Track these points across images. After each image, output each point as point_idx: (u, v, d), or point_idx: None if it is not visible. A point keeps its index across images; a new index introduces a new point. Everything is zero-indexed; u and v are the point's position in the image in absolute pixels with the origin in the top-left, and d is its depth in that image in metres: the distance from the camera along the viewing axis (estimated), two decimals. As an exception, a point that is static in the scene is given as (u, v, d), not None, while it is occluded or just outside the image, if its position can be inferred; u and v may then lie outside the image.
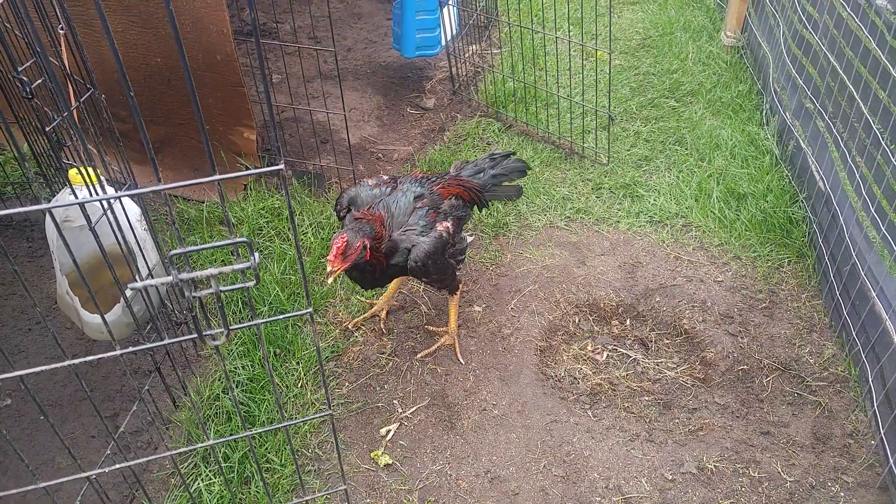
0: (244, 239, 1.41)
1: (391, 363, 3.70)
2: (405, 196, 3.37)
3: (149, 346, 1.63)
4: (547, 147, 5.18)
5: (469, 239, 4.37)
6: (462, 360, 3.70)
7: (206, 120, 4.41)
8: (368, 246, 3.01)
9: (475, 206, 3.76)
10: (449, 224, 3.36)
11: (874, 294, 3.25)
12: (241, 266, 1.46)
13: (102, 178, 2.66)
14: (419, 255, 3.21)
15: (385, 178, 3.55)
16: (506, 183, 3.93)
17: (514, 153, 4.05)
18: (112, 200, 2.76)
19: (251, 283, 1.51)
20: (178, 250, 1.42)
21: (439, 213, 3.39)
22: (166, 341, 1.66)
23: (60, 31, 2.64)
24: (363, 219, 3.12)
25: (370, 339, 3.83)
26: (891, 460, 2.91)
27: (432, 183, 3.52)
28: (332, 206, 3.53)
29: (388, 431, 3.38)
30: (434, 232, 3.29)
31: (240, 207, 4.44)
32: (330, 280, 2.99)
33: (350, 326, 3.87)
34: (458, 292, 3.69)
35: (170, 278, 1.45)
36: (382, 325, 3.89)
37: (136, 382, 3.50)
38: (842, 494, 3.04)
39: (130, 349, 1.63)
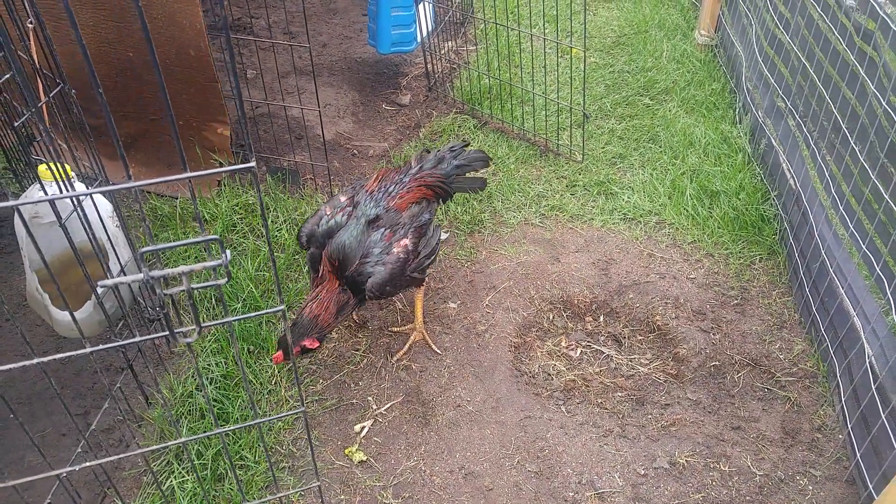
0: (215, 237, 1.41)
1: (366, 360, 3.70)
2: (357, 225, 3.36)
3: (119, 343, 1.62)
4: (522, 144, 5.19)
5: (444, 236, 4.38)
6: (437, 351, 3.71)
7: (179, 115, 4.38)
8: (307, 345, 3.17)
9: (441, 200, 3.79)
10: (408, 241, 3.37)
11: (842, 291, 3.29)
12: (212, 264, 1.45)
13: (73, 174, 2.64)
14: (374, 285, 3.27)
15: (343, 199, 3.52)
16: (469, 174, 3.95)
17: (468, 144, 4.06)
18: (82, 197, 2.74)
19: (223, 281, 1.51)
20: (150, 247, 1.41)
21: (397, 230, 3.39)
22: (137, 339, 1.65)
23: (29, 25, 2.61)
24: (308, 315, 3.23)
25: (345, 336, 3.82)
26: (858, 454, 2.96)
27: (390, 196, 3.51)
28: (295, 236, 3.59)
29: (363, 428, 3.38)
30: (391, 256, 3.31)
31: (213, 204, 4.42)
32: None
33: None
34: (423, 285, 3.70)
35: (141, 276, 1.44)
36: (356, 317, 3.89)
37: (108, 380, 3.48)
38: (810, 488, 3.08)
39: (101, 347, 1.62)
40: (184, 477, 3.05)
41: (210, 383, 3.41)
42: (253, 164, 1.43)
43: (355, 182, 3.77)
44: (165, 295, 1.50)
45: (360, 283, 3.29)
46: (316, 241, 3.41)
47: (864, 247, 3.14)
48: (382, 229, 3.37)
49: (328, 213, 3.46)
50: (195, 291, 3.86)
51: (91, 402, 3.43)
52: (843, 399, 3.20)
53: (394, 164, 5.00)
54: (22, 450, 3.21)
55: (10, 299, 3.92)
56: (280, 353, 3.07)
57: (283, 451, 3.26)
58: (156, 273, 1.45)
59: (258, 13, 6.64)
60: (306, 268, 3.88)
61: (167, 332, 1.61)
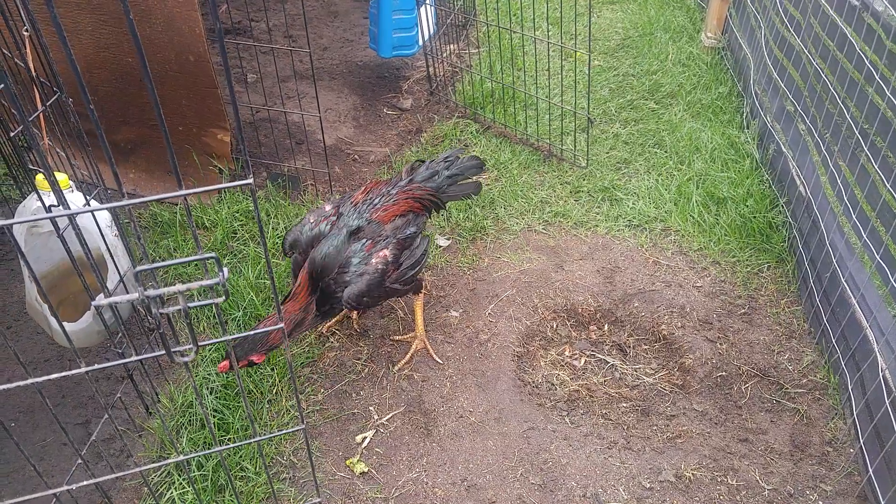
0: (212, 255, 1.37)
1: (367, 369, 3.65)
2: (339, 235, 3.34)
3: (115, 363, 1.57)
4: (525, 149, 5.15)
5: (445, 243, 4.34)
6: (439, 360, 3.67)
7: (179, 121, 4.34)
8: (255, 359, 3.07)
9: (433, 211, 3.75)
10: (387, 251, 3.32)
11: (854, 301, 3.24)
12: (209, 282, 1.41)
13: (71, 183, 2.60)
14: (350, 296, 3.23)
15: (328, 209, 3.50)
16: (463, 181, 3.90)
17: (464, 150, 4.00)
18: (78, 209, 2.69)
19: (220, 300, 1.46)
20: (145, 266, 1.37)
21: (378, 241, 3.35)
22: (133, 358, 1.60)
23: (25, 33, 2.57)
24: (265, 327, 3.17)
25: (346, 345, 3.78)
26: (870, 469, 2.90)
27: (374, 207, 3.48)
28: (281, 244, 3.57)
29: (364, 438, 3.34)
30: (369, 266, 3.27)
31: (213, 210, 4.38)
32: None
33: (324, 331, 3.82)
34: (422, 292, 3.67)
35: (136, 295, 1.40)
36: (356, 325, 3.85)
37: (105, 396, 3.44)
38: (820, 503, 3.03)
39: (96, 367, 1.58)
40: (184, 488, 3.01)
41: (210, 393, 3.37)
42: (250, 180, 1.38)
43: (345, 193, 3.74)
44: (162, 314, 1.46)
45: (335, 293, 3.26)
46: (300, 248, 3.40)
47: (878, 256, 3.09)
48: (364, 240, 3.34)
49: (312, 220, 3.45)
50: (195, 303, 3.83)
51: (92, 411, 3.39)
52: (854, 412, 3.14)
53: (395, 169, 4.96)
54: (22, 460, 3.17)
55: (11, 307, 3.88)
56: (226, 362, 3.02)
57: (283, 461, 3.22)
58: (151, 292, 1.40)
59: (258, 16, 6.60)
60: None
61: (163, 352, 1.57)
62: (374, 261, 3.28)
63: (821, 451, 3.22)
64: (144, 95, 4.31)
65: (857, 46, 3.49)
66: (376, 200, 3.51)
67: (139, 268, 1.36)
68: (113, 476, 1.93)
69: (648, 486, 3.12)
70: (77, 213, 1.45)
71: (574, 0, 6.99)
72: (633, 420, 3.41)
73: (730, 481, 3.12)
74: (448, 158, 3.86)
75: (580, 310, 3.96)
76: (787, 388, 3.48)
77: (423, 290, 3.66)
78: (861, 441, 3.04)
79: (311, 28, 6.77)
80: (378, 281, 3.28)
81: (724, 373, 3.57)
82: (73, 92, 2.70)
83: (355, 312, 3.89)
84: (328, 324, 3.84)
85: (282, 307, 3.22)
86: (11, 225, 1.38)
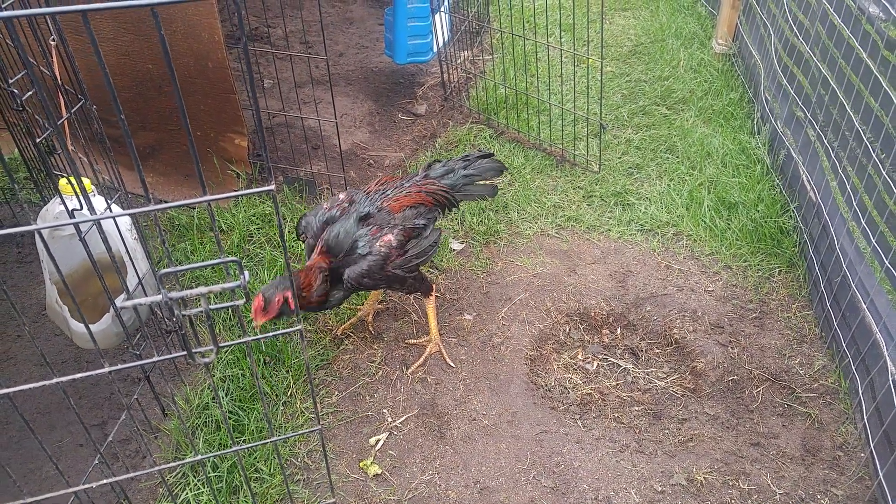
0: (234, 258, 1.41)
1: (381, 372, 3.69)
2: (348, 219, 3.41)
3: (136, 364, 1.62)
4: (538, 154, 5.18)
5: (459, 247, 4.38)
6: (452, 364, 3.70)
7: (196, 126, 4.39)
8: (290, 298, 3.09)
9: (445, 208, 3.78)
10: (392, 237, 3.38)
11: (864, 306, 3.25)
12: (230, 285, 1.45)
13: (92, 187, 2.65)
14: (351, 275, 3.31)
15: (341, 197, 3.57)
16: (480, 182, 3.93)
17: (491, 154, 4.03)
18: (101, 211, 2.75)
19: (241, 302, 1.51)
20: (170, 269, 1.41)
21: (384, 227, 3.42)
22: (155, 359, 1.65)
23: (52, 43, 2.63)
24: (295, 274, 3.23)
25: (360, 347, 3.82)
26: (881, 474, 2.92)
27: (386, 197, 3.55)
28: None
29: (378, 441, 3.37)
30: (372, 250, 3.35)
31: (230, 214, 4.43)
32: (257, 327, 3.09)
33: (339, 333, 3.86)
34: (432, 294, 3.70)
35: (159, 297, 1.44)
36: (370, 328, 3.89)
37: (124, 394, 3.48)
38: (831, 507, 3.04)
39: (119, 367, 1.62)
40: (199, 489, 3.05)
41: (226, 395, 3.41)
42: (272, 187, 1.43)
43: (360, 187, 3.79)
44: (183, 316, 1.50)
45: (342, 274, 3.33)
46: (311, 232, 3.47)
47: (887, 261, 3.10)
48: (371, 226, 3.40)
49: (325, 207, 3.52)
50: (216, 305, 3.88)
51: (108, 412, 3.44)
52: (865, 417, 3.15)
53: (410, 173, 5.00)
54: (39, 460, 3.22)
55: (29, 308, 3.93)
56: (260, 300, 3.01)
57: (298, 463, 3.26)
58: (174, 294, 1.45)
59: (275, 23, 6.66)
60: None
61: (184, 353, 1.61)
62: (377, 244, 3.35)
63: (832, 455, 3.23)
64: (162, 101, 4.36)
65: (866, 51, 3.51)
66: (389, 191, 3.58)
67: (164, 270, 1.41)
68: (130, 476, 1.98)
69: (660, 489, 3.14)
70: (103, 218, 1.50)
71: (587, 7, 7.02)
72: (645, 424, 3.43)
73: (741, 485, 3.13)
74: (467, 158, 3.89)
75: (593, 313, 3.99)
76: (799, 393, 3.49)
77: (432, 293, 3.69)
78: (871, 445, 3.05)
79: (328, 34, 6.83)
80: (380, 264, 3.34)
81: (735, 377, 3.59)
82: (96, 97, 2.75)
83: (371, 315, 3.94)
84: (343, 326, 3.89)
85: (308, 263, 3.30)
86: (41, 230, 1.43)
